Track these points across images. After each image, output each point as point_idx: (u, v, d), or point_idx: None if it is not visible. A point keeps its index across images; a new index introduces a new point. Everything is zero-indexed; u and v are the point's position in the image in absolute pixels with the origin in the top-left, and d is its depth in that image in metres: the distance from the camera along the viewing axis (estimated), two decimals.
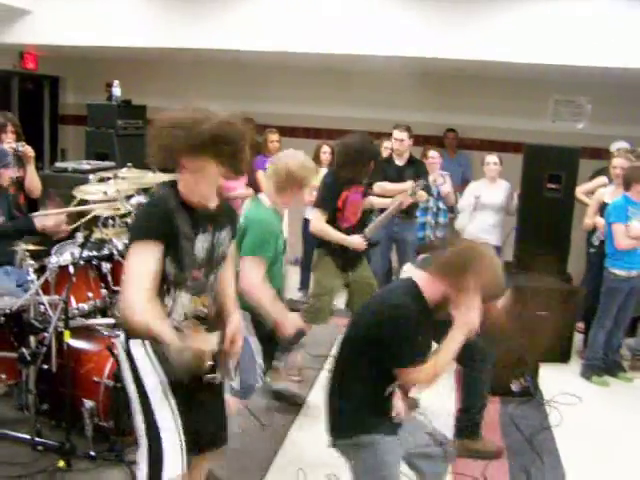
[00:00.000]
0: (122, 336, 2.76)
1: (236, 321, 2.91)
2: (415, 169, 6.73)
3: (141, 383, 2.69)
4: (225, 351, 2.81)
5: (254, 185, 7.51)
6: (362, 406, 2.96)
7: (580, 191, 6.63)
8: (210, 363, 2.62)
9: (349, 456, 3.06)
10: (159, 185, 2.81)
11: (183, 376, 2.52)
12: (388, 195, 6.31)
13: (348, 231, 5.36)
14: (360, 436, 2.96)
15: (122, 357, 2.76)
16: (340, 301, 5.68)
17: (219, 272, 2.90)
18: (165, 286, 2.66)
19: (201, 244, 2.73)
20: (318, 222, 5.35)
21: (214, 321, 2.88)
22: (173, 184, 2.73)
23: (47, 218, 4.47)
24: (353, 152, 5.21)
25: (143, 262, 2.56)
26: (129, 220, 5.04)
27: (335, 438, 3.08)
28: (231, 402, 3.63)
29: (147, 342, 2.65)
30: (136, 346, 2.69)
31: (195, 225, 2.68)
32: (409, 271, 4.56)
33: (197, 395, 2.78)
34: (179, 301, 2.71)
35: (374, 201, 5.81)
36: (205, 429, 2.89)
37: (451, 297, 2.88)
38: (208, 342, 2.57)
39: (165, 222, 2.59)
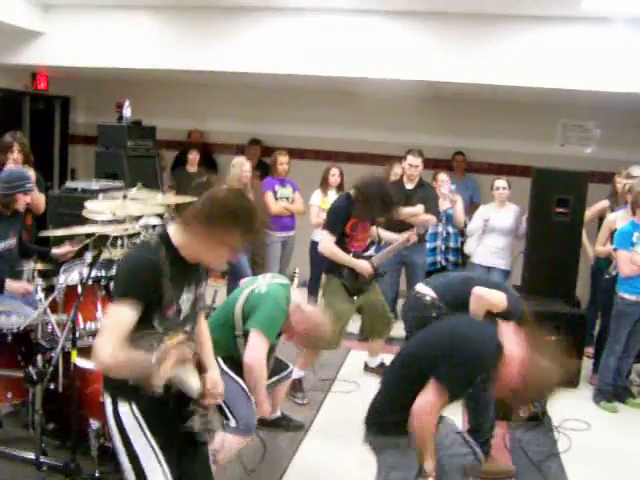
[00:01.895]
0: (108, 399, 2.68)
1: (216, 370, 2.94)
2: (424, 193, 6.75)
3: (132, 449, 2.63)
4: (204, 400, 2.76)
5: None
6: (408, 414, 2.98)
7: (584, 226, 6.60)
8: (190, 410, 2.64)
9: (382, 452, 3.15)
10: (152, 236, 2.74)
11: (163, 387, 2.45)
12: (398, 219, 6.32)
13: (356, 255, 5.37)
14: (401, 437, 3.04)
15: (111, 421, 2.67)
16: (354, 325, 5.68)
17: (195, 323, 2.88)
18: (157, 339, 2.56)
19: (186, 298, 2.72)
20: (328, 244, 5.36)
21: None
22: (166, 236, 2.66)
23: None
24: (373, 199, 5.22)
25: (118, 319, 2.52)
26: (139, 241, 5.06)
27: (375, 434, 3.16)
28: (234, 441, 3.64)
29: (133, 399, 2.60)
30: (124, 409, 2.63)
31: (182, 279, 2.68)
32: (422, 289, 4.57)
33: (186, 455, 2.78)
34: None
35: (382, 234, 5.82)
36: None
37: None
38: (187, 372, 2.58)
39: (149, 278, 2.54)
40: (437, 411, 2.98)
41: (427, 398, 2.91)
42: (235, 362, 3.77)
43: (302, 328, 3.95)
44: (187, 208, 2.66)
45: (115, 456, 3.76)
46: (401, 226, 6.16)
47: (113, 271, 4.69)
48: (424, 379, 2.93)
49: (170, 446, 2.67)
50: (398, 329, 5.69)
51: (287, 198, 7.66)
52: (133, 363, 2.44)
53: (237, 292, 4.09)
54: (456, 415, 4.83)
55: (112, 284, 2.72)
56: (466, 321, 3.17)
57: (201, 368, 2.87)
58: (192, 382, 2.63)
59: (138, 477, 2.63)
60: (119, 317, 2.52)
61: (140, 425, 2.62)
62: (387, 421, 3.12)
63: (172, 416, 2.65)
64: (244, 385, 3.76)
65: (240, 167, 7.13)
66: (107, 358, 2.46)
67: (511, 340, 3.03)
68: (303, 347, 5.18)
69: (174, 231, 2.65)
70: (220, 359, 3.66)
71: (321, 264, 5.98)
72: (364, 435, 3.21)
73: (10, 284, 4.55)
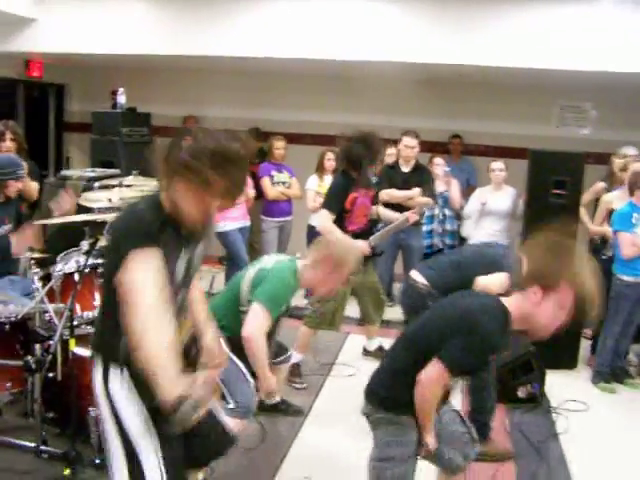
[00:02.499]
0: (99, 363, 2.54)
1: (210, 336, 2.81)
2: (421, 176, 6.73)
3: (122, 423, 2.49)
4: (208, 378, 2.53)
5: (259, 191, 7.54)
6: (410, 390, 2.98)
7: (582, 207, 6.57)
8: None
9: (379, 427, 3.13)
10: (142, 198, 2.55)
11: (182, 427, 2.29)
12: (395, 202, 6.33)
13: (354, 235, 5.36)
14: (400, 415, 3.04)
15: (99, 390, 2.54)
16: (352, 310, 5.69)
17: (188, 289, 2.74)
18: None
19: (181, 263, 2.55)
20: (326, 222, 5.35)
21: (191, 346, 2.77)
22: (156, 201, 2.48)
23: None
24: (355, 148, 5.24)
25: (148, 270, 2.31)
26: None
27: (375, 410, 3.14)
28: (232, 424, 3.62)
29: (125, 369, 2.46)
30: (115, 375, 2.49)
31: (178, 245, 2.51)
32: (416, 277, 4.55)
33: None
34: None
35: (381, 212, 5.81)
36: (202, 449, 2.79)
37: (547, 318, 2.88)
38: (204, 385, 2.35)
39: (154, 236, 2.37)
40: (439, 388, 2.98)
41: (430, 373, 2.90)
42: (239, 344, 3.73)
43: (329, 270, 3.92)
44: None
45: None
46: (399, 208, 6.16)
47: None
48: (427, 358, 2.93)
49: (162, 416, 2.45)
50: (396, 312, 5.71)
51: (284, 183, 7.65)
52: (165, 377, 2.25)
53: (243, 271, 4.08)
54: (455, 396, 4.86)
55: (110, 249, 2.45)
56: (470, 299, 3.14)
57: (195, 338, 2.79)
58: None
59: (128, 453, 2.50)
60: (151, 277, 2.30)
61: (133, 396, 2.48)
62: (387, 397, 3.12)
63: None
64: (243, 368, 3.75)
65: None
66: (159, 362, 2.25)
67: (518, 303, 2.97)
68: (315, 325, 5.20)
69: (164, 195, 2.47)
70: (223, 339, 3.66)
71: None
72: (363, 407, 3.21)
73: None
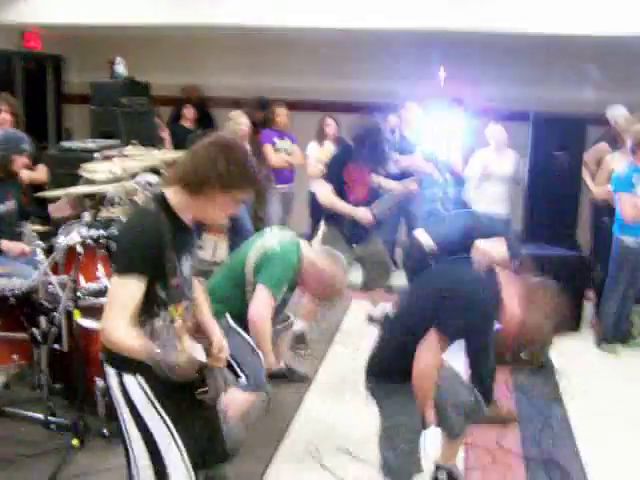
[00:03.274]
0: (112, 372, 2.61)
1: (217, 331, 2.86)
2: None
3: (140, 416, 2.57)
4: (212, 364, 2.66)
5: (260, 159, 7.50)
6: (410, 361, 3.01)
7: (585, 168, 6.53)
8: (198, 376, 2.56)
9: (384, 399, 3.20)
10: (147, 201, 2.62)
11: (173, 380, 2.42)
12: (398, 167, 6.31)
13: (355, 205, 5.36)
14: (401, 385, 3.07)
15: (117, 394, 2.60)
16: (356, 275, 5.69)
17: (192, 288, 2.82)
18: (156, 308, 2.55)
19: (187, 263, 2.65)
20: (326, 193, 5.35)
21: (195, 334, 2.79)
22: (163, 199, 2.55)
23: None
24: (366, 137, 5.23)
25: (127, 294, 2.45)
26: (138, 198, 5.05)
27: (377, 382, 3.21)
28: (248, 397, 3.64)
29: (139, 376, 2.54)
30: (130, 381, 2.57)
31: (183, 245, 2.60)
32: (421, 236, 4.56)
33: (196, 419, 2.72)
34: (168, 318, 2.59)
35: (382, 182, 5.79)
36: (208, 452, 2.82)
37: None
38: (194, 349, 2.51)
39: (153, 249, 2.45)
40: (438, 360, 3.00)
41: (428, 348, 2.92)
42: (244, 319, 3.78)
43: (317, 283, 3.97)
44: (180, 164, 2.58)
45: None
46: (401, 175, 6.15)
47: (113, 230, 4.68)
48: (424, 328, 2.95)
49: (181, 414, 2.62)
50: (399, 278, 5.72)
51: (286, 150, 7.61)
52: (147, 353, 2.38)
53: (246, 247, 4.07)
54: (457, 360, 4.89)
55: (114, 253, 2.59)
56: (463, 270, 3.17)
57: (201, 332, 2.82)
58: (199, 357, 2.53)
59: (149, 449, 2.58)
60: (127, 292, 2.44)
61: (148, 396, 2.56)
62: (388, 369, 3.14)
63: (180, 384, 2.50)
64: (251, 341, 3.77)
65: (235, 121, 7.02)
66: (119, 339, 2.43)
67: (507, 285, 3.04)
68: (317, 301, 5.23)
69: (171, 194, 2.54)
70: (228, 315, 3.68)
71: (320, 215, 5.98)
72: (365, 383, 3.24)
73: (6, 244, 4.55)
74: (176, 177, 2.54)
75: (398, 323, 3.22)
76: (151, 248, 2.44)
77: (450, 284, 3.02)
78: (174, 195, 2.54)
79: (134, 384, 2.56)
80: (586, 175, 6.49)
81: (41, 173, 5.78)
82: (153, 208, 2.52)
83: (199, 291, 2.95)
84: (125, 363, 2.52)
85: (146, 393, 2.56)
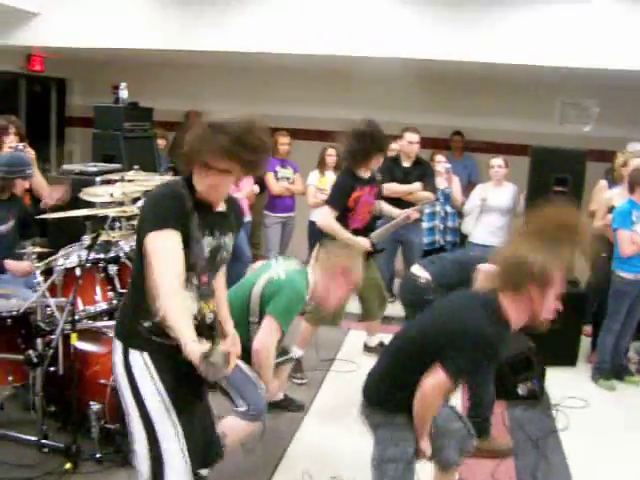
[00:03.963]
0: (119, 347, 2.64)
1: (231, 325, 2.87)
2: (422, 170, 6.73)
3: (142, 399, 2.59)
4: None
5: (262, 186, 7.54)
6: (408, 392, 3.00)
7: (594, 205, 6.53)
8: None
9: (379, 428, 3.17)
10: (174, 180, 2.69)
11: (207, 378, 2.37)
12: (396, 197, 6.33)
13: (356, 232, 5.37)
14: (398, 416, 3.06)
15: (119, 368, 2.63)
16: (354, 305, 5.69)
17: (215, 276, 2.84)
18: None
19: (207, 246, 2.66)
20: (328, 219, 5.35)
21: (214, 324, 2.82)
22: (188, 181, 2.62)
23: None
24: (362, 131, 5.24)
25: (169, 248, 2.43)
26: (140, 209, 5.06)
27: (373, 411, 3.18)
28: (246, 427, 3.62)
29: (145, 353, 2.57)
30: (135, 357, 2.59)
31: (205, 227, 2.61)
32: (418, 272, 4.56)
33: (194, 409, 2.74)
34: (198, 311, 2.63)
35: (384, 208, 5.82)
36: (205, 445, 2.85)
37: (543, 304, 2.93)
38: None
39: (181, 216, 2.49)
40: (442, 395, 2.99)
41: (433, 382, 2.91)
42: (244, 348, 3.75)
43: (338, 285, 3.97)
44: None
45: (117, 437, 3.82)
46: (400, 203, 6.17)
47: (112, 253, 4.69)
48: (426, 361, 2.94)
49: (181, 396, 2.63)
50: (396, 308, 5.71)
51: (288, 179, 7.65)
52: (181, 333, 2.30)
53: (253, 276, 4.07)
54: (455, 392, 4.88)
55: (141, 220, 2.57)
56: (468, 302, 3.15)
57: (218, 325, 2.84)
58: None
59: (147, 429, 2.60)
60: (167, 244, 2.43)
61: (151, 374, 2.57)
62: (385, 399, 3.13)
63: (183, 364, 2.42)
64: (249, 372, 3.75)
65: None
66: (170, 307, 2.33)
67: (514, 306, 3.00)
68: (316, 320, 5.24)
69: (196, 179, 2.60)
70: None
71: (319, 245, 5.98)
72: (361, 410, 3.23)
73: (11, 264, 4.56)
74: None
75: (397, 355, 3.21)
76: (179, 210, 2.47)
77: (459, 324, 3.00)
78: (194, 175, 2.60)
79: (139, 362, 2.58)
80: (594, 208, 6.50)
81: (41, 183, 5.81)
82: (178, 184, 2.59)
83: (221, 281, 2.97)
84: (134, 339, 2.54)
85: (150, 373, 2.57)
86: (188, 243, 2.50)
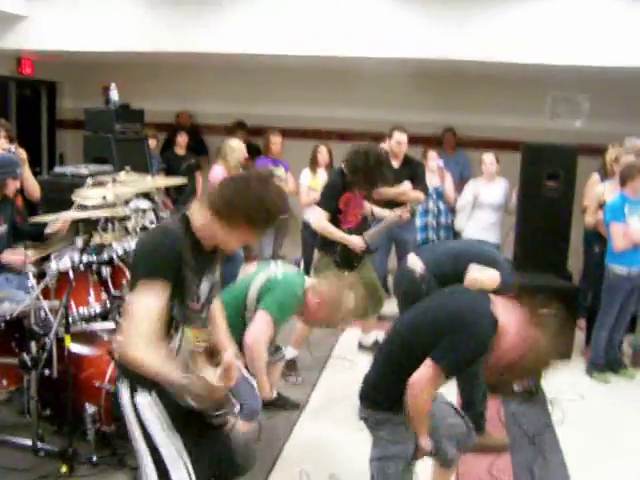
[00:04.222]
0: (125, 385, 2.62)
1: (231, 350, 2.86)
2: (411, 170, 6.69)
3: (150, 437, 2.58)
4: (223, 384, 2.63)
5: None
6: (404, 391, 3.00)
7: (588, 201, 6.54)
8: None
9: (378, 428, 3.17)
10: (171, 218, 2.68)
11: (199, 409, 2.47)
12: (386, 198, 6.32)
13: (348, 232, 5.37)
14: (397, 414, 3.06)
15: (127, 409, 2.61)
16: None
17: (210, 306, 2.85)
18: (173, 326, 2.57)
19: (205, 286, 2.68)
20: (320, 220, 5.37)
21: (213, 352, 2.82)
22: (186, 220, 2.59)
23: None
24: (366, 166, 5.21)
25: (149, 305, 2.42)
26: (130, 225, 5.05)
27: (371, 412, 3.18)
28: (241, 426, 3.62)
29: (154, 392, 2.55)
30: (142, 394, 2.57)
31: (202, 268, 2.63)
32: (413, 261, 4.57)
33: (209, 440, 2.74)
34: (185, 338, 2.62)
35: (374, 210, 5.82)
36: (221, 471, 2.85)
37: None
38: (214, 375, 2.50)
39: (174, 261, 2.47)
40: (433, 389, 3.00)
41: (423, 376, 2.91)
42: (240, 348, 3.75)
43: (323, 310, 3.97)
44: (212, 194, 2.60)
45: (113, 440, 3.82)
46: (392, 204, 6.17)
47: (104, 256, 4.68)
48: (419, 358, 2.94)
49: (193, 435, 2.63)
50: (390, 306, 5.71)
51: (280, 178, 7.61)
52: (164, 377, 2.39)
53: (249, 277, 4.08)
54: (448, 388, 4.87)
55: (134, 264, 2.57)
56: (460, 298, 3.16)
57: (214, 353, 2.82)
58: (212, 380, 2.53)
59: (158, 468, 2.59)
60: (149, 303, 2.42)
61: (159, 417, 2.57)
62: (381, 398, 3.14)
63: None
64: (245, 372, 3.74)
65: (240, 151, 6.99)
66: (139, 356, 2.38)
67: (505, 313, 3.03)
68: (312, 323, 5.24)
69: (196, 217, 2.59)
70: None
71: (313, 244, 5.99)
72: (359, 411, 3.23)
73: (6, 256, 4.55)
74: (209, 202, 2.56)
75: (391, 352, 3.21)
76: (173, 258, 2.46)
77: (450, 316, 3.00)
78: (199, 218, 2.58)
79: (146, 402, 2.56)
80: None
81: (33, 185, 5.80)
82: (176, 226, 2.56)
83: (217, 307, 2.98)
84: (140, 378, 2.50)
85: (158, 413, 2.56)
86: (184, 285, 2.52)
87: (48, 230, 4.87)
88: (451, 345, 2.89)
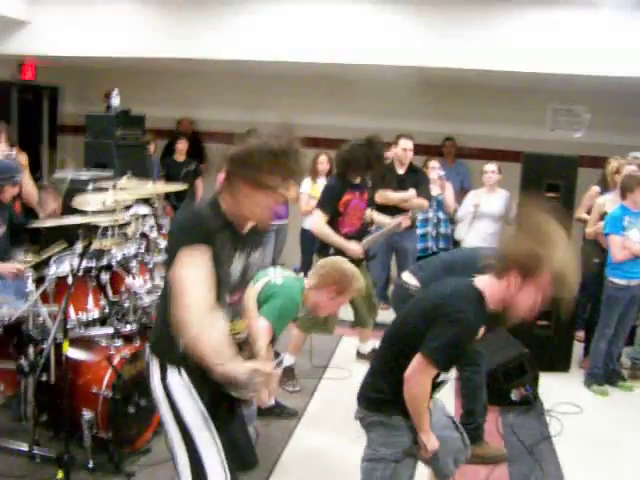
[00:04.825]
0: (156, 365, 2.62)
1: (262, 341, 2.87)
2: (416, 177, 6.72)
3: (181, 417, 2.58)
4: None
5: None
6: (400, 391, 2.98)
7: (581, 211, 6.57)
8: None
9: (372, 429, 3.16)
10: (202, 202, 2.68)
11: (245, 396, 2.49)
12: (390, 204, 6.33)
13: (347, 237, 5.37)
14: (391, 416, 3.05)
15: (157, 389, 2.61)
16: (346, 312, 5.68)
17: (244, 291, 2.84)
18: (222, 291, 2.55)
19: (237, 265, 2.66)
20: (319, 223, 5.36)
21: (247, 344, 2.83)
22: (215, 203, 2.61)
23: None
24: (359, 149, 5.24)
25: (195, 275, 2.39)
26: (130, 230, 5.05)
27: (367, 413, 3.16)
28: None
29: (183, 368, 2.55)
30: (173, 374, 2.57)
31: (234, 246, 2.61)
32: (408, 279, 4.57)
33: (231, 422, 2.75)
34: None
35: (375, 216, 5.82)
36: (242, 454, 2.87)
37: (522, 300, 2.89)
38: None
39: (212, 236, 2.47)
40: (428, 382, 2.97)
41: (415, 369, 2.91)
42: None
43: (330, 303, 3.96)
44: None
45: (109, 446, 3.81)
46: (394, 210, 6.18)
47: (104, 261, 4.67)
48: (410, 354, 2.93)
49: (218, 411, 2.63)
50: (390, 315, 5.70)
51: None
52: (219, 361, 2.35)
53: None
54: (448, 399, 4.88)
55: (170, 243, 2.65)
56: (441, 287, 3.16)
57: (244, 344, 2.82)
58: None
59: (188, 446, 2.59)
60: (194, 273, 2.39)
61: (190, 393, 2.57)
62: (377, 399, 3.13)
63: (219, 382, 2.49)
64: None
65: None
66: (197, 336, 2.33)
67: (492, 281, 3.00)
68: (307, 328, 5.28)
69: (222, 197, 2.60)
70: None
71: (312, 251, 5.98)
72: (356, 411, 3.22)
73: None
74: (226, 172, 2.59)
75: (385, 352, 3.21)
76: (208, 232, 2.46)
77: (433, 306, 3.00)
78: (226, 198, 2.59)
79: (177, 381, 2.56)
80: (583, 214, 6.53)
81: (31, 191, 5.79)
82: (205, 207, 2.60)
83: (249, 296, 2.98)
84: (171, 354, 2.51)
85: (189, 392, 2.56)
86: (218, 263, 2.50)
87: (42, 215, 4.86)
88: (435, 334, 2.88)
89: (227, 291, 2.61)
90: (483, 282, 2.98)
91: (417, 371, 2.91)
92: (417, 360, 2.90)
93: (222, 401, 2.66)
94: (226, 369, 2.34)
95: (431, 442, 3.05)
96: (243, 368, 2.37)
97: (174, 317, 2.39)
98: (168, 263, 2.55)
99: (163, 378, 2.59)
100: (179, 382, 2.57)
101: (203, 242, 2.44)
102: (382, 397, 3.11)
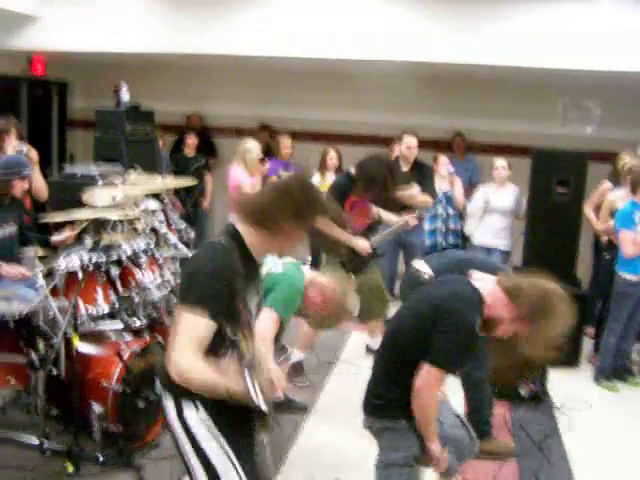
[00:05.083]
0: (170, 402, 2.59)
1: (272, 360, 2.89)
2: (420, 173, 6.67)
3: (202, 451, 2.55)
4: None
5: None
6: (407, 396, 2.99)
7: (588, 206, 6.56)
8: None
9: (381, 436, 3.19)
10: (223, 234, 2.66)
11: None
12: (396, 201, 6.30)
13: (355, 235, 5.37)
14: (399, 421, 3.07)
15: (175, 425, 2.58)
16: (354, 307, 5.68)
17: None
18: (224, 348, 2.52)
19: (253, 297, 2.71)
20: (327, 220, 5.35)
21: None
22: (237, 234, 2.61)
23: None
24: (374, 176, 5.22)
25: (197, 328, 2.43)
26: (140, 225, 5.05)
27: (374, 420, 3.18)
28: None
29: (199, 402, 2.52)
30: (189, 409, 2.54)
31: (252, 282, 2.66)
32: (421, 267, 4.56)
33: (251, 449, 2.72)
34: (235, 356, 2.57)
35: (382, 215, 5.81)
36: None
37: (507, 325, 2.99)
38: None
39: (228, 288, 2.45)
40: (436, 389, 2.98)
41: (426, 382, 2.91)
42: None
43: (320, 302, 3.95)
44: (251, 203, 2.65)
45: (119, 439, 3.82)
46: (401, 208, 6.16)
47: (114, 256, 4.68)
48: (416, 360, 2.93)
49: (241, 445, 2.61)
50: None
51: None
52: (214, 388, 2.40)
53: None
54: (457, 394, 4.86)
55: (185, 285, 2.60)
56: (440, 287, 3.17)
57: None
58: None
59: (211, 477, 2.56)
60: (198, 328, 2.42)
61: (209, 428, 2.54)
62: (379, 405, 3.13)
63: (238, 412, 2.50)
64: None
65: (255, 151, 7.11)
66: (187, 373, 2.39)
67: (491, 286, 3.06)
68: (318, 324, 5.22)
69: (246, 233, 2.61)
70: None
71: (320, 246, 5.98)
72: (363, 420, 3.23)
73: (5, 268, 4.54)
74: (248, 216, 2.61)
75: (389, 356, 3.20)
76: (225, 288, 2.44)
77: (432, 309, 3.01)
78: (248, 234, 2.61)
79: (194, 416, 2.54)
80: (590, 213, 6.51)
81: (41, 185, 5.81)
82: (227, 243, 2.56)
83: (261, 321, 3.05)
84: (183, 390, 2.48)
85: (207, 426, 2.54)
86: (240, 302, 2.50)
87: (55, 239, 4.88)
88: (440, 342, 2.89)
89: (245, 322, 2.60)
90: (487, 289, 3.00)
91: (430, 383, 2.92)
92: (428, 372, 2.90)
93: (242, 429, 2.63)
94: (231, 391, 2.39)
95: (439, 451, 3.06)
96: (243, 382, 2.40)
97: (172, 358, 2.44)
98: (182, 298, 2.55)
99: (179, 414, 2.56)
100: (197, 419, 2.54)
101: (214, 308, 2.44)
102: (384, 403, 3.12)
